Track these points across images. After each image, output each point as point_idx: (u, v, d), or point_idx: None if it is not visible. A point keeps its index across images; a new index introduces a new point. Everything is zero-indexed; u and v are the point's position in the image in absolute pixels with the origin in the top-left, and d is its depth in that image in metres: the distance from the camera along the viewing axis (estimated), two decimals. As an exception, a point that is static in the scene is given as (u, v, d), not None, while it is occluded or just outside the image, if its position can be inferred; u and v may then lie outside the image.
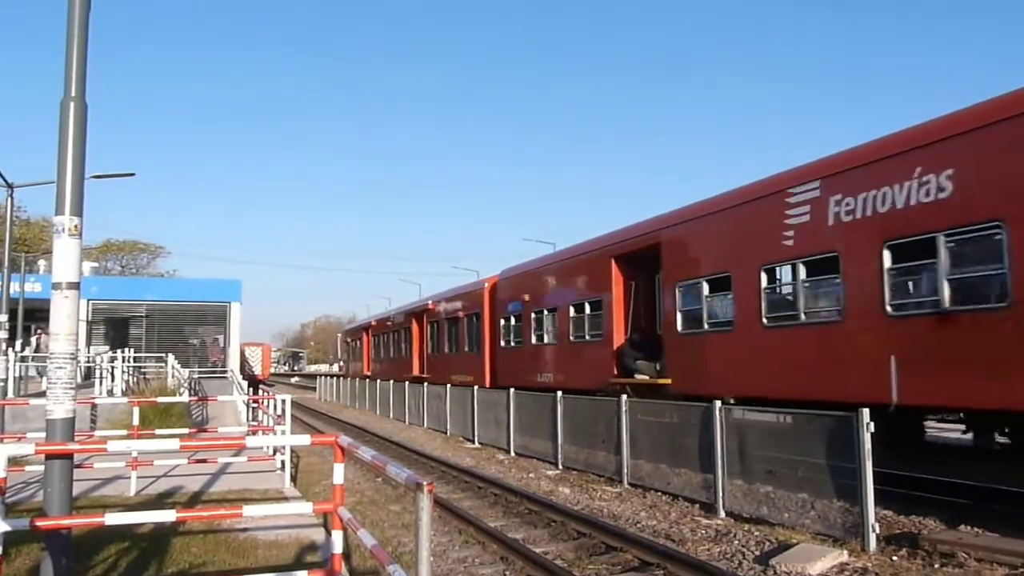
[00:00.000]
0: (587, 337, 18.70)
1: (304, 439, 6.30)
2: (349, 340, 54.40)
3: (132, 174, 27.04)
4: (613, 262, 17.73)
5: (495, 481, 13.90)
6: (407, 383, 29.87)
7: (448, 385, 25.01)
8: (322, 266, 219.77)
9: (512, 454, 18.17)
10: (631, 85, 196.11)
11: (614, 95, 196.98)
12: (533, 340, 21.48)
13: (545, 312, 20.97)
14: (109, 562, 7.24)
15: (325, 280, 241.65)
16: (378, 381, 35.31)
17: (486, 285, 25.77)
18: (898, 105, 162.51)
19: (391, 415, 31.28)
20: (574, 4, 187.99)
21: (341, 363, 68.64)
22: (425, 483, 3.45)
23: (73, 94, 5.51)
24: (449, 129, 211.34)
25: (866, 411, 8.70)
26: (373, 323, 44.55)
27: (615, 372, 17.03)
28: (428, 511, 3.40)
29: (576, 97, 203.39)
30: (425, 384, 27.48)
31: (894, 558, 8.24)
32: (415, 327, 34.54)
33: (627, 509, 11.47)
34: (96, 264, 52.25)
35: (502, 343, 23.88)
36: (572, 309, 19.40)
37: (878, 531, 8.60)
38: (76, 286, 5.51)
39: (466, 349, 27.50)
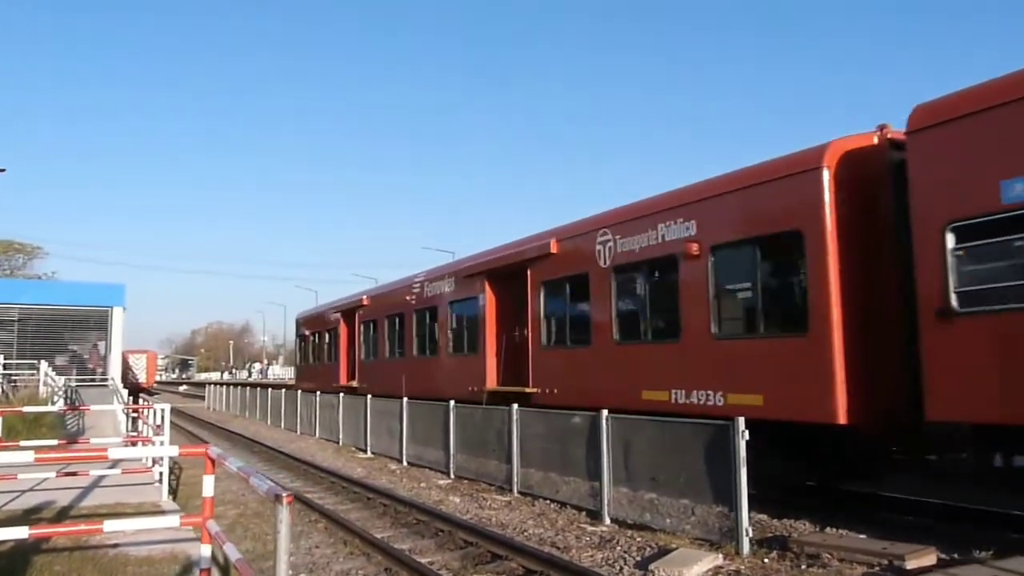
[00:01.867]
0: None
1: (173, 450, 6.08)
2: (308, 333, 35.32)
3: (2, 170, 25.57)
4: None
5: (385, 492, 13.74)
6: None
7: (341, 394, 24.22)
8: (214, 271, 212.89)
9: (405, 464, 18.00)
10: (538, 94, 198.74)
11: (525, 105, 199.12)
12: None
13: None
14: (-42, 584, 6.78)
15: (217, 286, 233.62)
16: (318, 394, 25.44)
17: (825, 167, 10.07)
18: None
19: (282, 425, 30.47)
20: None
21: (293, 365, 44.53)
22: (284, 495, 3.38)
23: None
24: (345, 135, 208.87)
25: (741, 419, 9.05)
26: (366, 300, 27.35)
27: None
28: (287, 523, 3.34)
29: (486, 106, 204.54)
30: (317, 393, 26.57)
31: (765, 560, 8.60)
32: (491, 299, 18.81)
33: (515, 518, 11.54)
34: (-36, 265, 48.86)
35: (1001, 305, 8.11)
36: None
37: (751, 535, 8.95)
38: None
39: (735, 331, 11.68)
